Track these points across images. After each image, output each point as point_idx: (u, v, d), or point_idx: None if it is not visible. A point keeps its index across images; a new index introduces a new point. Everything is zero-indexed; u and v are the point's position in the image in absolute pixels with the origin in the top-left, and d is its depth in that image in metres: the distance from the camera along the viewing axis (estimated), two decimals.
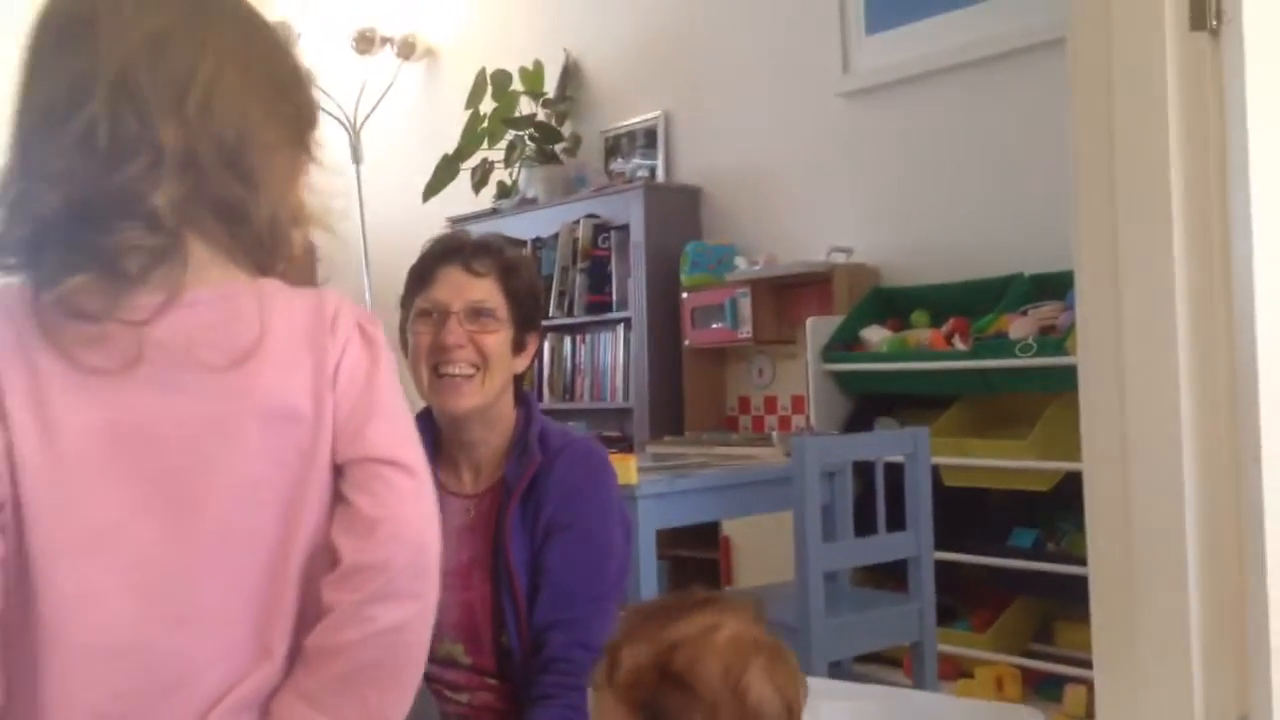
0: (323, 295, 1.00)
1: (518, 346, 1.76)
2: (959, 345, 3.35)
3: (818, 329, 3.67)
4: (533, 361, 1.82)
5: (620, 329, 4.58)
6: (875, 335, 3.60)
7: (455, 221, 5.27)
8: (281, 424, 0.94)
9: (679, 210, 4.53)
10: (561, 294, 4.79)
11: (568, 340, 4.85)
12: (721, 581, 3.93)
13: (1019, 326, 3.17)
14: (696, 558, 4.08)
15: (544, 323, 4.97)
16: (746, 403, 4.38)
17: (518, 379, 1.79)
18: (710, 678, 1.04)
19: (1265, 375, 1.48)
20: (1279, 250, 1.50)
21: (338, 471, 0.97)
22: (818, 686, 1.97)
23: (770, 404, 4.30)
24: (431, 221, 5.39)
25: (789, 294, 4.10)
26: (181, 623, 0.92)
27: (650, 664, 1.05)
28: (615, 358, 4.63)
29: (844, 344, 3.67)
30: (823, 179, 4.13)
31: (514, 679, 1.69)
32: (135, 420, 0.91)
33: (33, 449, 0.89)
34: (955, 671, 3.25)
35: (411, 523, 0.96)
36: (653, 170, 4.73)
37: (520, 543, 1.69)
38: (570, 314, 4.75)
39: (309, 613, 0.95)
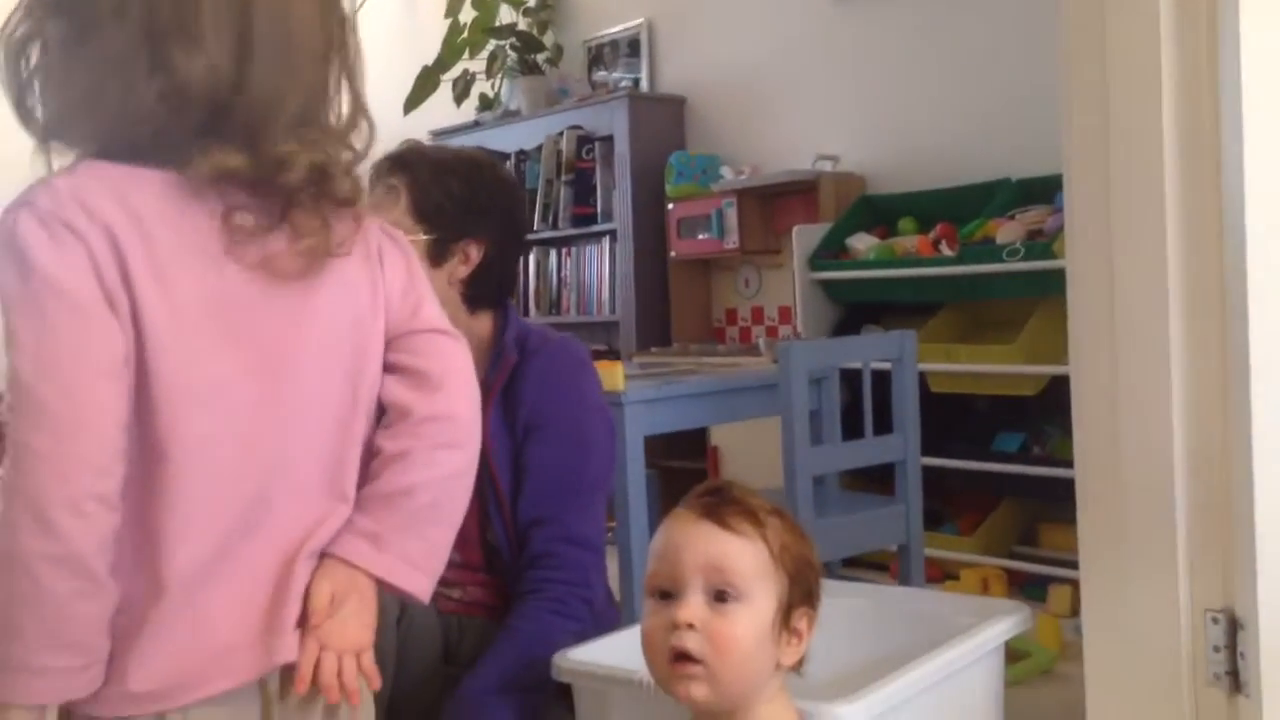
0: (353, 211, 1.11)
1: (436, 259, 1.72)
2: (946, 251, 3.35)
3: (804, 237, 3.65)
4: (485, 267, 1.76)
5: (606, 241, 4.56)
6: (862, 243, 3.58)
7: (437, 135, 5.21)
8: (349, 300, 1.08)
9: (664, 120, 4.48)
10: (546, 207, 4.75)
11: (553, 254, 4.82)
12: None
13: (1006, 231, 3.16)
14: (686, 468, 4.11)
15: (529, 236, 4.88)
16: (733, 314, 4.38)
17: (470, 285, 1.75)
18: (818, 570, 1.21)
19: (1254, 271, 1.48)
20: (1269, 145, 1.49)
21: (391, 345, 1.11)
22: None
23: (757, 314, 4.29)
24: (414, 134, 5.33)
25: (775, 203, 4.07)
26: (275, 471, 1.04)
27: (799, 543, 1.17)
28: (601, 271, 4.61)
29: (831, 252, 3.65)
30: (809, 86, 4.08)
31: (503, 574, 1.71)
32: (242, 292, 1.02)
33: (155, 306, 0.97)
34: (941, 574, 3.29)
35: (467, 379, 1.12)
36: (636, 80, 4.66)
37: (501, 442, 1.70)
38: (555, 227, 4.72)
39: (364, 468, 1.10)
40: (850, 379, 2.82)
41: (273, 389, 1.03)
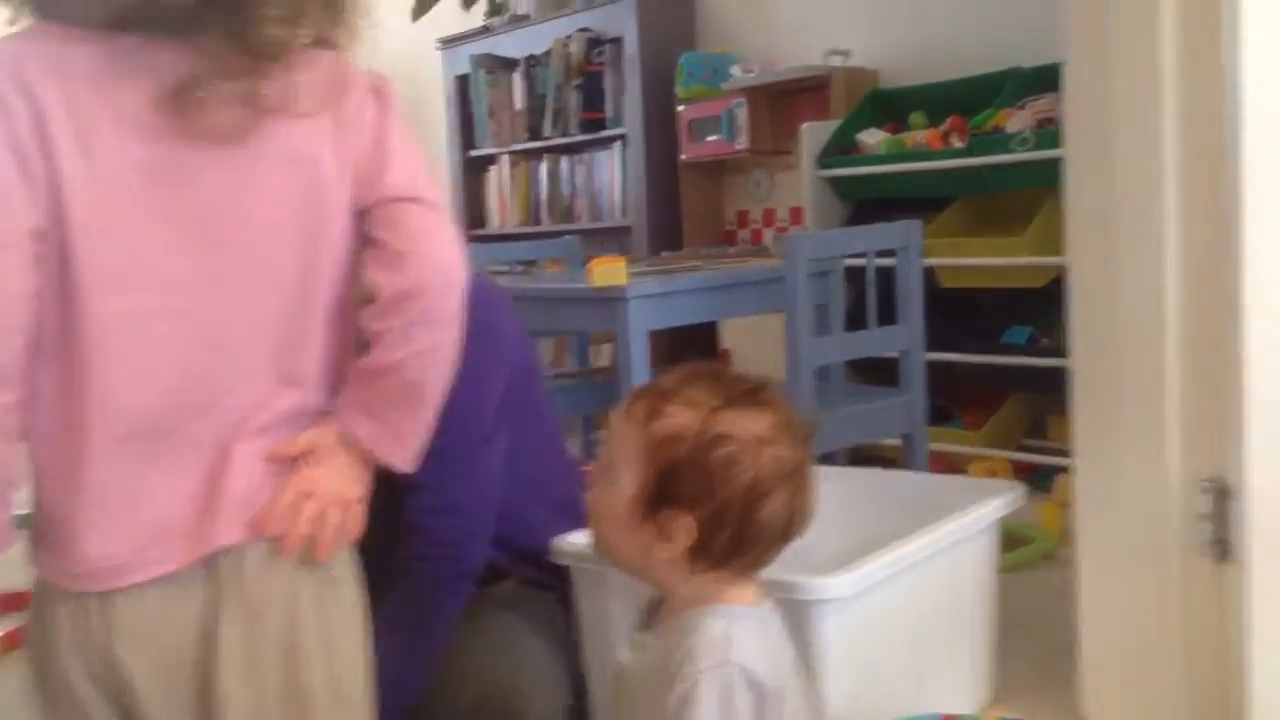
0: (338, 58, 1.06)
1: None
2: (956, 144, 3.30)
3: (813, 134, 3.61)
4: None
5: (617, 147, 4.52)
6: (872, 138, 3.54)
7: (447, 42, 5.16)
8: (301, 169, 1.02)
9: (674, 20, 4.41)
10: (557, 113, 4.71)
11: (564, 161, 4.79)
12: None
13: (1016, 120, 3.11)
14: None
15: (538, 144, 4.75)
16: (745, 216, 4.35)
17: None
18: (735, 486, 1.05)
19: (1249, 155, 1.46)
20: (1268, 36, 1.46)
21: (363, 217, 1.05)
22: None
23: (769, 216, 4.27)
24: (422, 43, 5.29)
25: (786, 102, 4.02)
26: (212, 348, 1.00)
27: (691, 438, 1.06)
28: (613, 176, 4.58)
29: (840, 149, 3.62)
30: None
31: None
32: (174, 160, 0.98)
33: (77, 175, 0.95)
34: (949, 468, 3.30)
35: (438, 250, 1.05)
36: None
37: None
38: (566, 133, 4.69)
39: (346, 348, 1.07)
40: (857, 276, 2.81)
41: (210, 263, 1.00)
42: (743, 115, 4.00)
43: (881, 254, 2.51)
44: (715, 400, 1.07)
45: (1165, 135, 1.54)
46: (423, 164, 1.08)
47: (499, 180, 5.11)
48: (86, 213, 0.95)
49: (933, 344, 3.24)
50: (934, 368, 3.35)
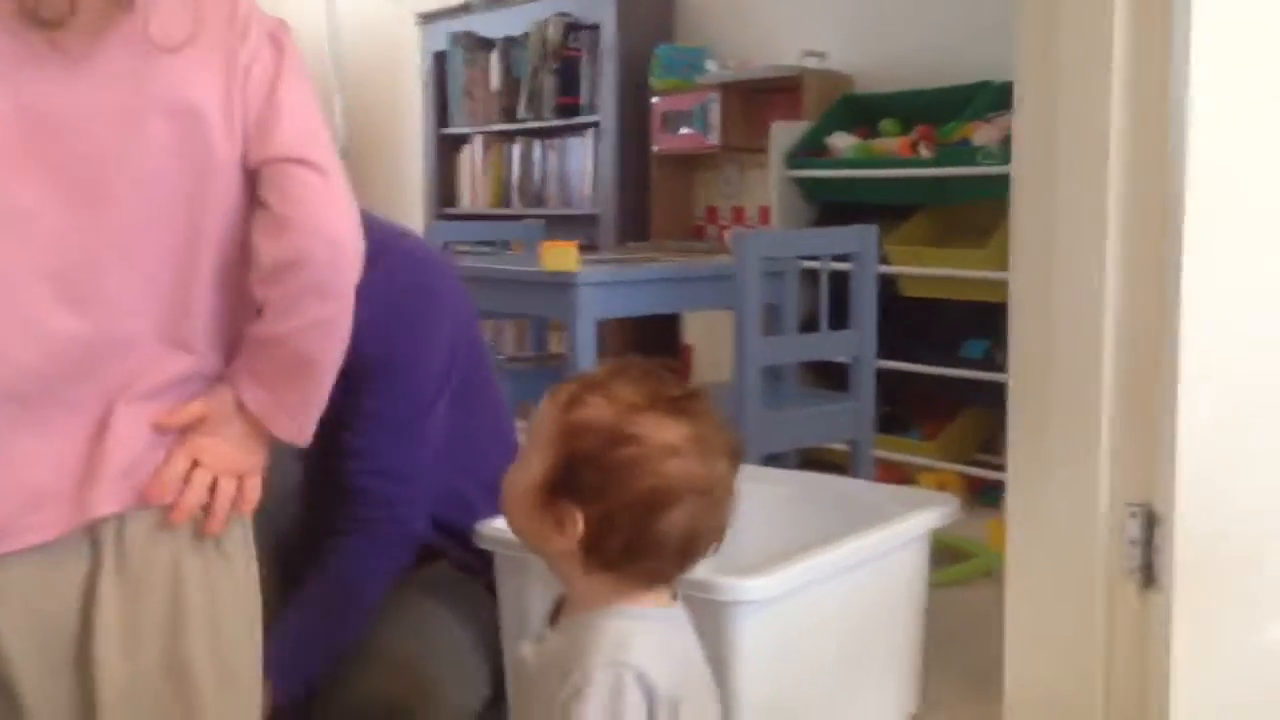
0: (236, 1, 1.01)
1: None
2: (924, 153, 3.29)
3: (783, 135, 3.60)
4: None
5: (590, 135, 4.49)
6: (842, 142, 3.53)
7: (426, 18, 5.12)
8: (185, 120, 0.96)
9: (652, 10, 4.38)
10: (532, 96, 4.68)
11: (537, 145, 4.75)
12: None
13: (983, 133, 3.11)
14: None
15: (512, 126, 4.73)
16: (714, 212, 4.33)
17: None
18: (632, 490, 1.01)
19: (1192, 177, 1.45)
20: (1218, 58, 1.44)
21: (254, 177, 0.99)
22: (745, 472, 2.00)
23: (738, 214, 4.25)
24: (402, 19, 5.24)
25: (760, 100, 4.00)
26: (89, 308, 0.95)
27: (601, 433, 1.02)
28: (584, 164, 4.55)
29: (810, 150, 3.60)
30: None
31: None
32: (44, 108, 0.93)
33: None
34: (899, 478, 3.30)
35: (325, 218, 0.98)
36: None
37: None
38: (540, 117, 4.65)
39: (243, 311, 1.01)
40: (816, 278, 2.80)
41: (86, 217, 0.94)
42: (715, 110, 3.98)
43: (839, 258, 2.49)
44: (638, 400, 1.03)
45: (1110, 158, 1.53)
46: (316, 123, 1.02)
47: (471, 160, 5.07)
48: None
49: (890, 352, 3.24)
50: (891, 376, 3.35)
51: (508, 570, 1.63)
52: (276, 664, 1.56)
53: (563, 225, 4.64)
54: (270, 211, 0.98)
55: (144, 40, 0.95)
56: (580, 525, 1.02)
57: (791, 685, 1.52)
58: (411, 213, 5.15)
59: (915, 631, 1.80)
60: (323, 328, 1.01)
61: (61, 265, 0.94)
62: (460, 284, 1.75)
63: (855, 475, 2.51)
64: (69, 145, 0.93)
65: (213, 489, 1.00)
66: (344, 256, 1.00)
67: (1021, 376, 1.67)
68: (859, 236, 2.45)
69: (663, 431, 1.02)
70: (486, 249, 3.46)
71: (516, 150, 4.82)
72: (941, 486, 3.17)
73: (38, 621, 0.96)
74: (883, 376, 3.43)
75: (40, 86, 0.92)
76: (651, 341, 4.17)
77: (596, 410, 1.03)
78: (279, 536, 1.68)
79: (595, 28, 4.39)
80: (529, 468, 1.06)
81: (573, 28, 4.50)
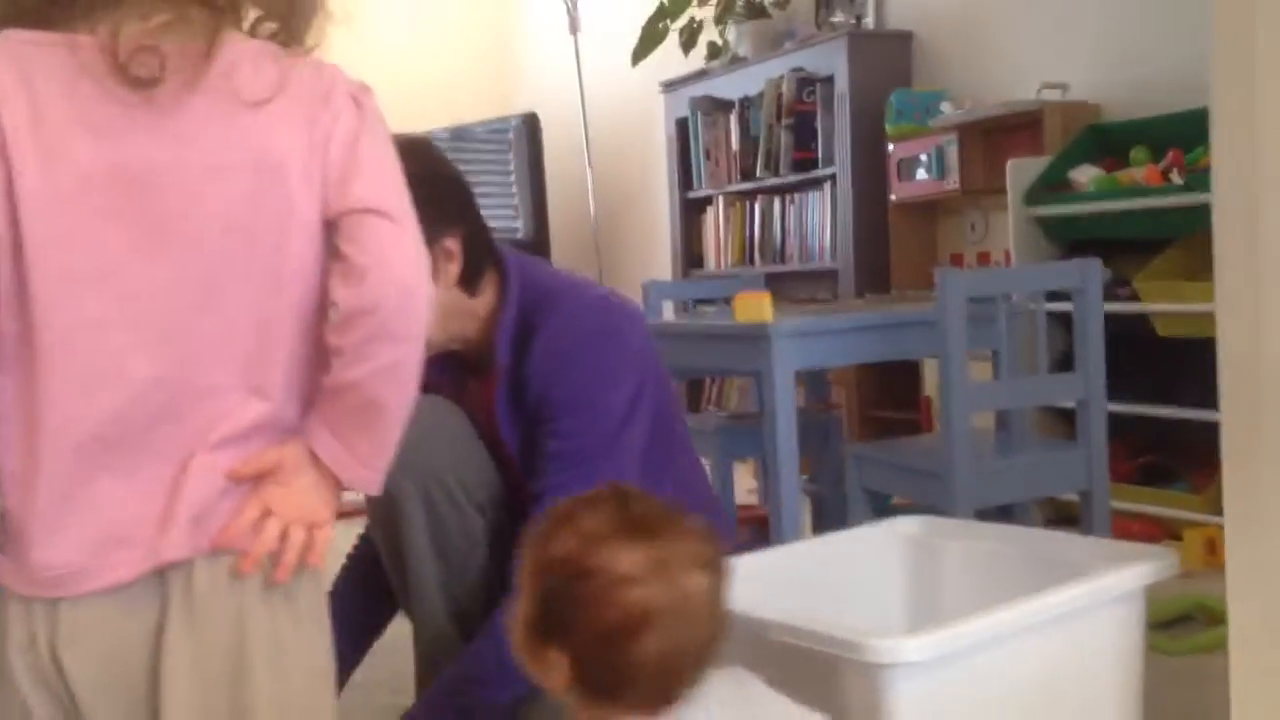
0: (320, 64, 1.06)
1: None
2: (1176, 180, 3.03)
3: (1021, 171, 3.40)
4: (469, 250, 1.65)
5: (827, 187, 4.42)
6: (1084, 175, 3.30)
7: (668, 86, 5.22)
8: (266, 174, 1.01)
9: (887, 58, 4.28)
10: (768, 154, 4.66)
11: (776, 202, 4.73)
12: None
13: None
14: (895, 418, 3.95)
15: (751, 185, 4.68)
16: (959, 260, 4.14)
17: (464, 274, 1.66)
18: (601, 624, 1.00)
19: None
20: None
21: (332, 229, 1.03)
22: (945, 527, 1.87)
23: (983, 259, 4.05)
24: (646, 88, 5.36)
25: (1000, 139, 3.81)
26: (173, 357, 1.00)
27: (565, 569, 1.01)
28: (823, 217, 4.48)
29: (1051, 186, 3.39)
30: (1040, 11, 3.79)
31: None
32: (131, 163, 0.98)
33: (35, 181, 0.96)
34: (1165, 534, 3.01)
35: (395, 265, 1.01)
36: (858, 18, 4.48)
37: (511, 427, 1.66)
38: (777, 174, 4.62)
39: (319, 364, 1.05)
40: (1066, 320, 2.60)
41: (169, 269, 0.99)
42: (953, 153, 3.82)
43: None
44: (600, 529, 1.02)
45: None
46: (392, 177, 1.05)
47: (715, 221, 5.10)
48: (43, 222, 0.96)
49: (1151, 396, 2.98)
50: (1151, 424, 3.08)
51: None
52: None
53: (803, 281, 4.58)
54: (347, 261, 1.01)
55: (230, 96, 1.00)
56: (562, 666, 1.01)
57: None
58: (661, 276, 5.22)
59: (1128, 699, 1.60)
60: (392, 371, 1.03)
61: (144, 316, 0.99)
62: (646, 330, 1.77)
63: (1089, 529, 2.30)
64: (153, 199, 0.98)
65: (284, 538, 1.02)
66: (414, 301, 1.02)
67: (1234, 415, 1.48)
68: (1079, 270, 2.27)
69: (620, 560, 1.00)
70: (710, 309, 3.45)
71: (757, 208, 4.81)
72: (1209, 542, 2.87)
73: (108, 662, 0.99)
74: (1142, 424, 3.16)
75: (130, 144, 0.98)
76: (891, 393, 4.03)
77: (561, 545, 1.02)
78: (461, 599, 1.71)
79: (829, 80, 4.33)
80: (518, 608, 1.05)
81: (806, 82, 4.46)
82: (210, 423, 1.01)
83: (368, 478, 1.06)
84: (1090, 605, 1.51)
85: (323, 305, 1.04)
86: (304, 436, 1.04)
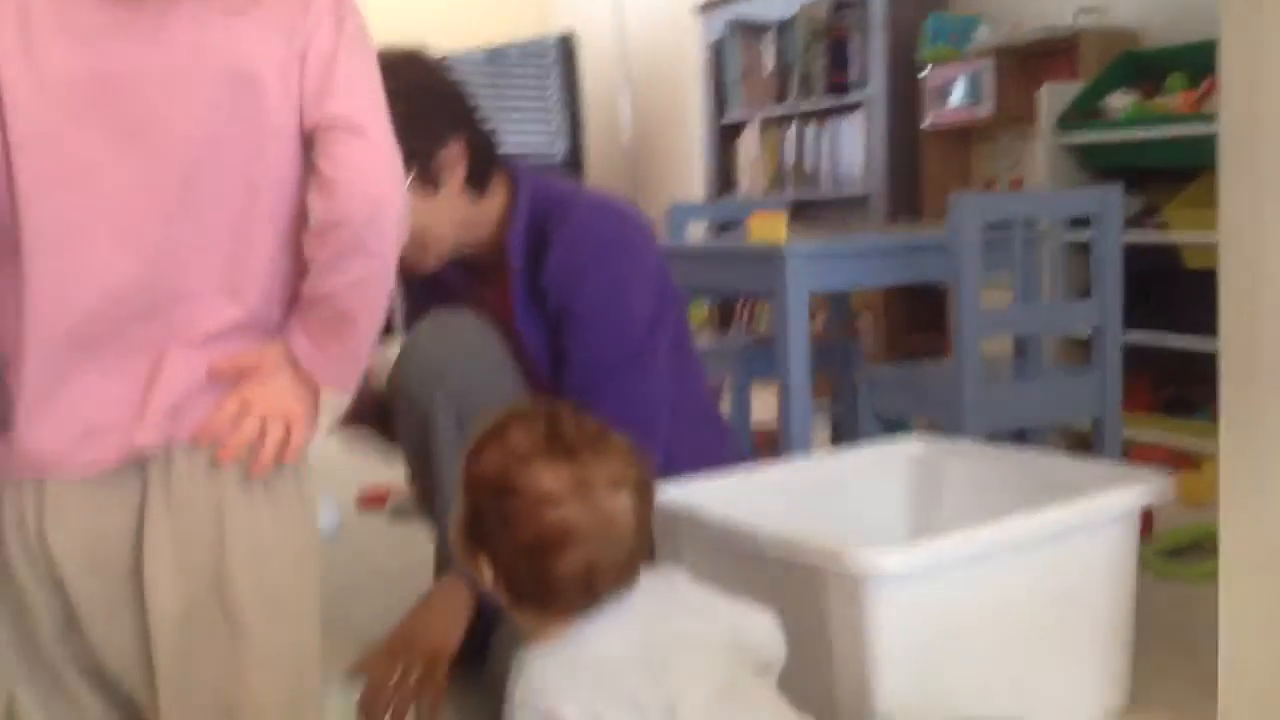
0: None
1: (432, 185, 1.65)
2: (1210, 108, 2.98)
3: (1054, 97, 3.34)
4: (474, 155, 1.68)
5: (860, 114, 4.37)
6: (1119, 102, 3.24)
7: (703, 8, 5.15)
8: (245, 86, 1.03)
9: None
10: (803, 78, 4.61)
11: (810, 128, 4.68)
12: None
13: None
14: (922, 344, 3.94)
15: (785, 110, 4.56)
16: (993, 187, 4.10)
17: (470, 179, 1.69)
18: (521, 540, 1.05)
19: None
20: None
21: (309, 142, 1.06)
22: (949, 448, 1.88)
23: (1016, 186, 4.00)
24: (681, 9, 5.30)
25: (1036, 65, 3.74)
26: (152, 257, 1.03)
27: (489, 485, 1.07)
28: (855, 143, 4.44)
29: (1084, 114, 3.33)
30: None
31: None
32: (113, 71, 1.01)
33: (19, 83, 0.99)
34: (1184, 464, 3.00)
35: (365, 180, 1.04)
36: None
37: (533, 330, 1.70)
38: (811, 98, 4.58)
39: (294, 269, 1.08)
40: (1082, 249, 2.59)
41: (147, 173, 1.02)
42: (988, 79, 3.76)
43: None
44: (526, 447, 1.06)
45: None
46: (369, 91, 1.07)
47: (748, 146, 5.06)
48: (27, 123, 0.99)
49: (1174, 326, 2.95)
50: (1175, 356, 3.06)
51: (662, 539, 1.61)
52: None
53: (835, 208, 4.55)
54: (321, 175, 1.04)
55: (211, 4, 1.02)
56: (489, 570, 1.07)
57: (939, 672, 1.41)
58: (695, 200, 5.20)
59: (1121, 620, 1.62)
60: (362, 285, 1.06)
61: (122, 216, 1.02)
62: (654, 241, 1.79)
63: (1100, 455, 2.31)
64: (129, 102, 1.01)
65: (262, 434, 1.06)
66: (383, 216, 1.05)
67: (1234, 348, 1.48)
68: (1098, 197, 2.24)
69: (541, 480, 1.05)
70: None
71: (790, 133, 4.77)
72: None
73: (92, 545, 1.04)
74: (1168, 356, 3.14)
75: (111, 49, 1.00)
76: (918, 322, 4.02)
77: (489, 462, 1.08)
78: None
79: (865, 3, 4.26)
80: (456, 511, 1.11)
81: (841, 5, 4.39)
82: (188, 322, 1.05)
83: (336, 376, 1.10)
84: (1080, 525, 1.53)
85: (302, 215, 1.07)
86: (282, 340, 1.08)
